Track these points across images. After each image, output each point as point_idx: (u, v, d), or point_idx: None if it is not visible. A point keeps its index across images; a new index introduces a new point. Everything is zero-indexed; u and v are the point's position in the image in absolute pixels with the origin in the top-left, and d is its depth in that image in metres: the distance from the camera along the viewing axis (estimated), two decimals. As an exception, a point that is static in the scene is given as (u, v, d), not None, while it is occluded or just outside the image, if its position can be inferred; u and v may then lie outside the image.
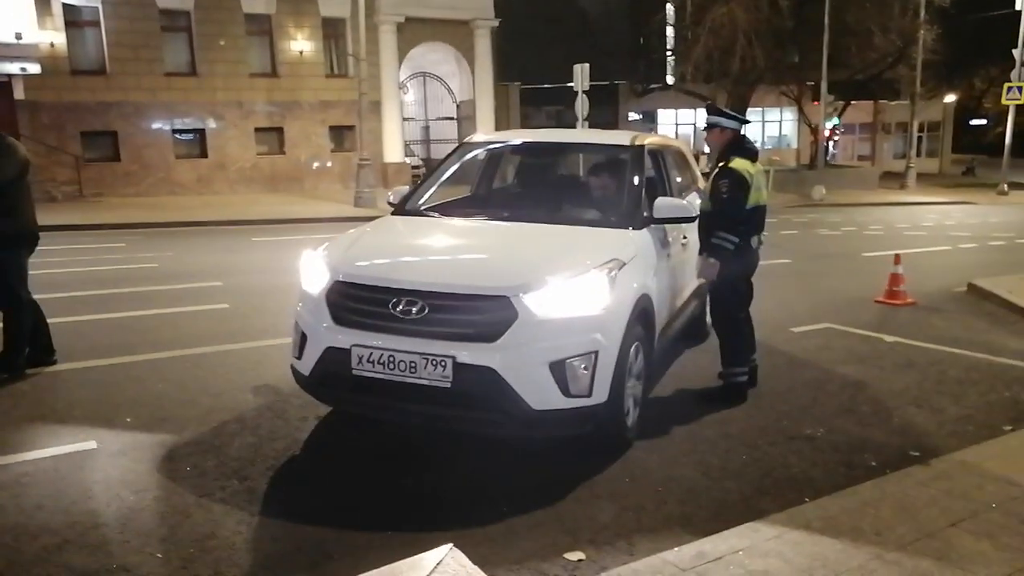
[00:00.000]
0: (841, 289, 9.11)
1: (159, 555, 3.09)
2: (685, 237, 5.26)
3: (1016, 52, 24.73)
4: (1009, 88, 25.29)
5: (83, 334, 6.49)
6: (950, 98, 39.42)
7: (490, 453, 4.06)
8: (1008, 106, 25.97)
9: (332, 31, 23.36)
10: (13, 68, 18.71)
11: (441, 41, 25.29)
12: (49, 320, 5.71)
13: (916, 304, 8.07)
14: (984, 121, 46.48)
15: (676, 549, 2.95)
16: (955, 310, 7.99)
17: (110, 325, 6.91)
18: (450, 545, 2.86)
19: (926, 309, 7.94)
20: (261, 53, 22.58)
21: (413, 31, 24.30)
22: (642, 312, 4.16)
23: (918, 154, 33.62)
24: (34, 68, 18.75)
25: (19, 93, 19.33)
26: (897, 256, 8.38)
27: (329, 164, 23.24)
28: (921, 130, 36.25)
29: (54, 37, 19.58)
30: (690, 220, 4.86)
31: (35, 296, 5.63)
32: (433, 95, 27.90)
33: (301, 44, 22.78)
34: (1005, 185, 26.88)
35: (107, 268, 10.23)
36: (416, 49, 24.93)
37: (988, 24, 28.93)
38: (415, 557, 2.79)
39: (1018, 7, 24.71)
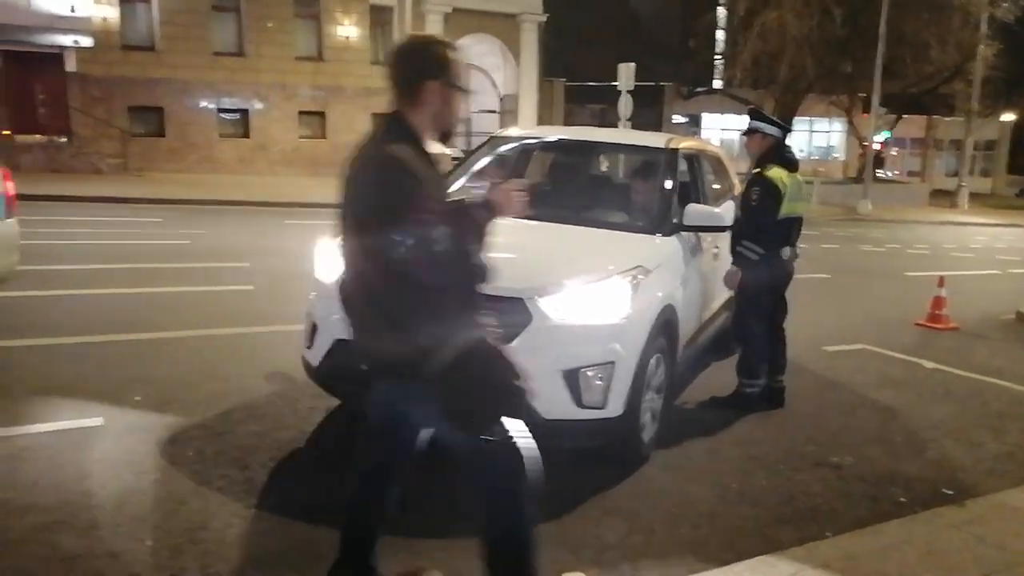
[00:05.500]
0: (880, 309, 8.78)
1: (148, 543, 3.01)
2: (717, 247, 5.06)
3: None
4: (1072, 109, 24.40)
5: (106, 308, 6.49)
6: (1008, 116, 38.08)
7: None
8: (1070, 128, 25.07)
9: (379, 18, 23.39)
10: (66, 40, 19.05)
11: (487, 33, 25.18)
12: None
13: (959, 329, 7.73)
14: (1044, 142, 45.04)
15: (683, 579, 2.79)
16: (1001, 339, 7.64)
17: (134, 300, 6.92)
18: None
19: (970, 335, 7.60)
20: (308, 37, 22.71)
21: (460, 22, 24.21)
22: (666, 323, 3.98)
23: (971, 173, 32.59)
24: (87, 41, 19.08)
25: (71, 65, 19.67)
26: (941, 278, 8.04)
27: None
28: (976, 148, 35.15)
29: (107, 11, 19.88)
30: (722, 229, 4.67)
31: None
32: (477, 87, 27.78)
33: (348, 30, 22.84)
34: (1062, 210, 25.96)
35: (141, 243, 10.30)
36: (462, 40, 24.78)
37: (1053, 41, 27.89)
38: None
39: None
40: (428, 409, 2.28)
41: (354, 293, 2.35)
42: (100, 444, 3.88)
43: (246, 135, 22.31)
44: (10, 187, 5.72)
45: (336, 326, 3.77)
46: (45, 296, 6.54)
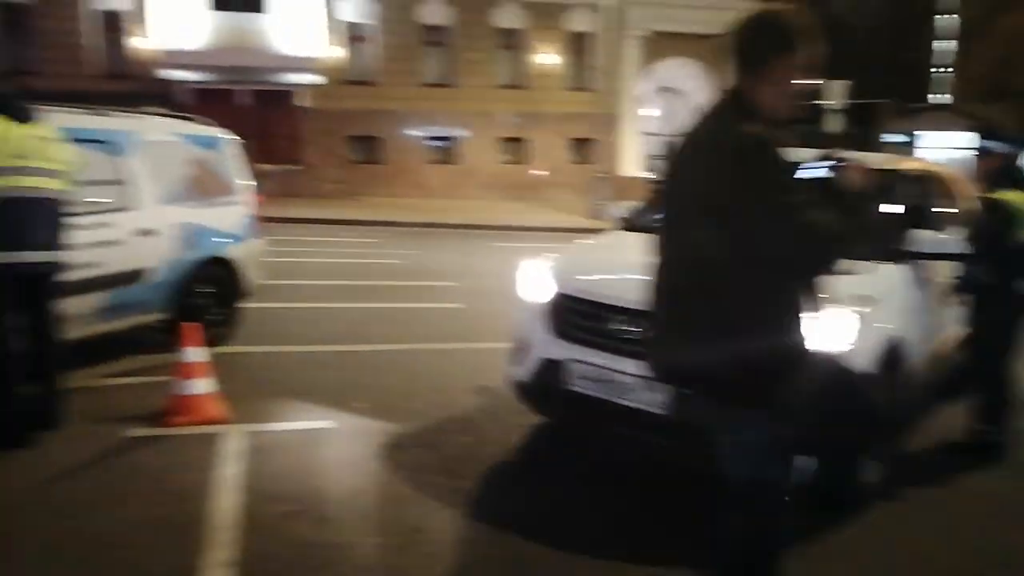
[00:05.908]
0: None
1: (377, 539, 3.27)
2: (948, 277, 4.62)
3: None
4: None
5: (329, 320, 7.14)
6: None
7: (710, 488, 3.81)
8: None
9: (577, 45, 23.88)
10: (302, 79, 21.31)
11: (688, 56, 24.83)
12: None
13: None
14: None
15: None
16: None
17: (356, 314, 7.54)
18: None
19: None
20: (509, 66, 23.65)
21: (660, 45, 24.12)
22: (890, 357, 3.69)
23: None
24: (320, 80, 21.22)
25: (303, 100, 21.92)
26: None
27: (545, 173, 23.38)
28: None
29: (337, 51, 21.96)
30: (952, 258, 4.28)
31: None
32: (677, 110, 27.46)
33: (547, 58, 23.53)
34: None
35: (360, 261, 11.23)
36: (662, 63, 24.71)
37: None
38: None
39: None
40: (748, 434, 2.11)
41: (676, 292, 2.12)
42: (331, 445, 4.28)
43: (452, 161, 23.62)
44: (258, 211, 6.53)
45: (544, 346, 3.90)
46: (282, 308, 7.31)
